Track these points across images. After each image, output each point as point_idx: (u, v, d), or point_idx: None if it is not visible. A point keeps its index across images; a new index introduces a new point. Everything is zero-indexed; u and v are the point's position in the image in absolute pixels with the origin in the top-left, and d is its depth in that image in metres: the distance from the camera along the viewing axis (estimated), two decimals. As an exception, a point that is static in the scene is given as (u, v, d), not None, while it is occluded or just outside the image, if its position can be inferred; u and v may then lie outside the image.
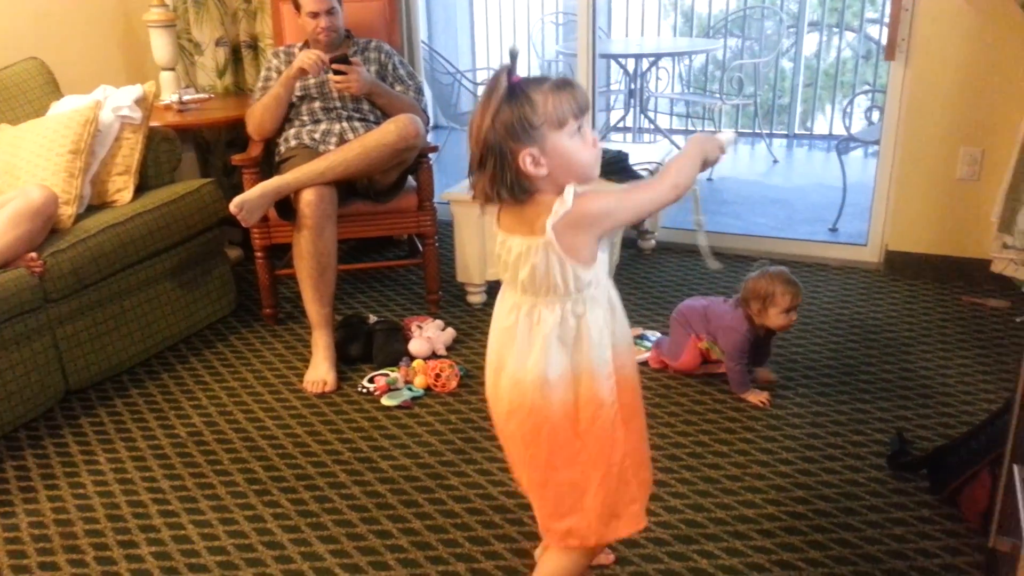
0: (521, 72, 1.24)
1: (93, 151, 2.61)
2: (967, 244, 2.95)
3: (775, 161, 4.81)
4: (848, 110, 4.18)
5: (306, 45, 2.90)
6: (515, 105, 1.21)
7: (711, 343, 2.38)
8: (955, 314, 2.78)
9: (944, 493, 1.89)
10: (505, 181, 1.24)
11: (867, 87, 5.07)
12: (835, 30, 5.21)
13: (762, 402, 2.31)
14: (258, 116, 2.82)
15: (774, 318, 2.27)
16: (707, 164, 1.39)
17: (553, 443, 1.35)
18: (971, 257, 2.95)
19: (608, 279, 1.38)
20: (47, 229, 2.39)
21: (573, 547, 1.43)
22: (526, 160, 1.23)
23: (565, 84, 1.24)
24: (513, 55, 1.26)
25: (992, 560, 1.60)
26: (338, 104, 2.82)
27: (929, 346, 2.59)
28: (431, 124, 3.26)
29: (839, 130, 4.90)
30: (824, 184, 4.24)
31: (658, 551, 1.78)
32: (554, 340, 1.32)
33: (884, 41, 3.34)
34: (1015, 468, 1.23)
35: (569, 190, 1.25)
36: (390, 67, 2.92)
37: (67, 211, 2.50)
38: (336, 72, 2.69)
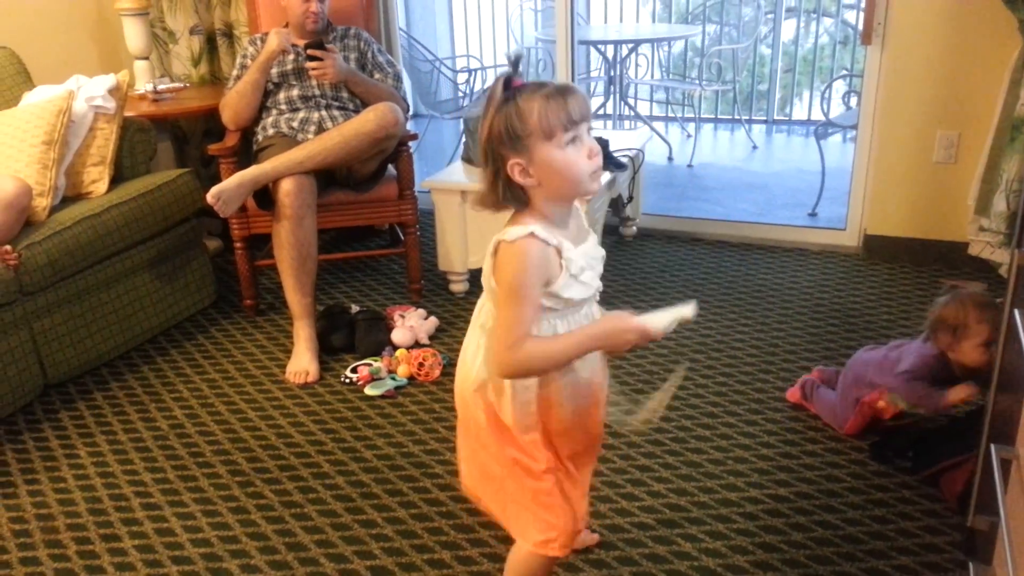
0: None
1: (67, 142, 2.57)
2: (945, 227, 2.98)
3: (754, 147, 4.83)
4: (826, 95, 4.21)
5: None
6: (504, 113, 1.19)
7: (894, 396, 2.01)
8: (933, 297, 2.80)
9: (925, 474, 1.91)
10: (498, 188, 1.23)
11: (845, 72, 5.09)
12: (813, 16, 5.23)
13: (968, 395, 1.91)
14: (233, 103, 2.79)
15: (969, 353, 1.89)
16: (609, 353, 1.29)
17: (478, 443, 1.36)
18: (949, 240, 2.98)
19: (575, 317, 1.29)
20: (21, 221, 2.35)
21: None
22: (515, 169, 1.20)
23: (560, 92, 1.19)
24: (514, 60, 1.22)
25: (970, 539, 1.62)
26: (317, 92, 2.80)
27: (908, 329, 2.61)
28: (410, 112, 3.24)
29: (817, 115, 4.93)
30: (803, 169, 4.27)
31: (642, 535, 1.79)
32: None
33: (861, 26, 3.35)
34: (993, 448, 1.25)
35: (524, 227, 1.20)
36: (369, 55, 2.90)
37: (41, 203, 2.47)
38: (311, 58, 2.66)
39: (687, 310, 1.22)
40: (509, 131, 1.18)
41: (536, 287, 1.21)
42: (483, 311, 1.33)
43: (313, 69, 2.67)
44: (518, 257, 1.20)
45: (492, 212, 1.27)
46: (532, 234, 1.19)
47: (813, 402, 2.19)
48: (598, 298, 1.34)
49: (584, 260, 1.27)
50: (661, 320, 1.21)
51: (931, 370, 1.94)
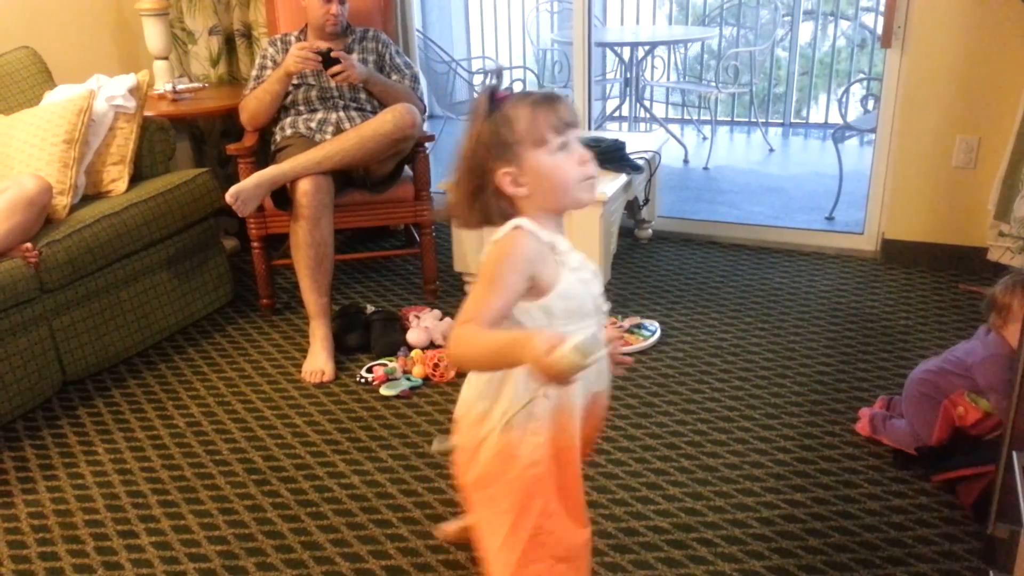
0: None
1: (87, 141, 2.59)
2: (963, 232, 2.96)
3: (771, 150, 4.81)
4: (844, 99, 4.18)
5: (303, 33, 2.89)
6: (492, 123, 1.18)
7: (973, 396, 1.88)
8: (951, 302, 2.79)
9: (939, 479, 1.90)
10: (483, 201, 1.20)
11: (862, 75, 5.06)
12: (830, 18, 5.20)
13: None
14: (251, 109, 2.81)
15: (1014, 335, 1.80)
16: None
17: (479, 483, 1.29)
18: (967, 245, 2.95)
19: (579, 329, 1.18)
20: (42, 219, 2.37)
21: None
22: (504, 179, 1.18)
23: (547, 99, 1.19)
24: (497, 73, 1.23)
25: (990, 547, 1.60)
26: (335, 93, 2.81)
27: (926, 334, 2.59)
28: (427, 113, 3.24)
29: (834, 119, 4.90)
30: (820, 172, 4.25)
31: (657, 539, 1.79)
32: (481, 379, 1.25)
33: (879, 29, 3.33)
34: (1015, 456, 1.24)
35: (508, 225, 1.18)
36: (387, 57, 2.91)
37: (61, 201, 2.49)
38: (328, 66, 2.67)
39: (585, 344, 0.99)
40: (497, 139, 1.17)
41: (513, 278, 1.14)
42: None
43: (333, 75, 2.68)
44: (503, 247, 1.18)
45: (471, 229, 1.24)
46: (519, 227, 1.17)
47: (886, 434, 2.04)
48: (605, 321, 1.31)
49: (579, 261, 1.24)
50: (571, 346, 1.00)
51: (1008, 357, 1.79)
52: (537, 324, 1.20)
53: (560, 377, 1.01)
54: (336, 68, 2.65)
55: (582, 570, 1.35)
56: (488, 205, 1.20)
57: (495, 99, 1.19)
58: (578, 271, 1.23)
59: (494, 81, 1.20)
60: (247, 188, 2.45)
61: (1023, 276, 1.90)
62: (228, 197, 2.43)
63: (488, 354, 1.11)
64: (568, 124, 1.18)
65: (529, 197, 1.19)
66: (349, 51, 2.84)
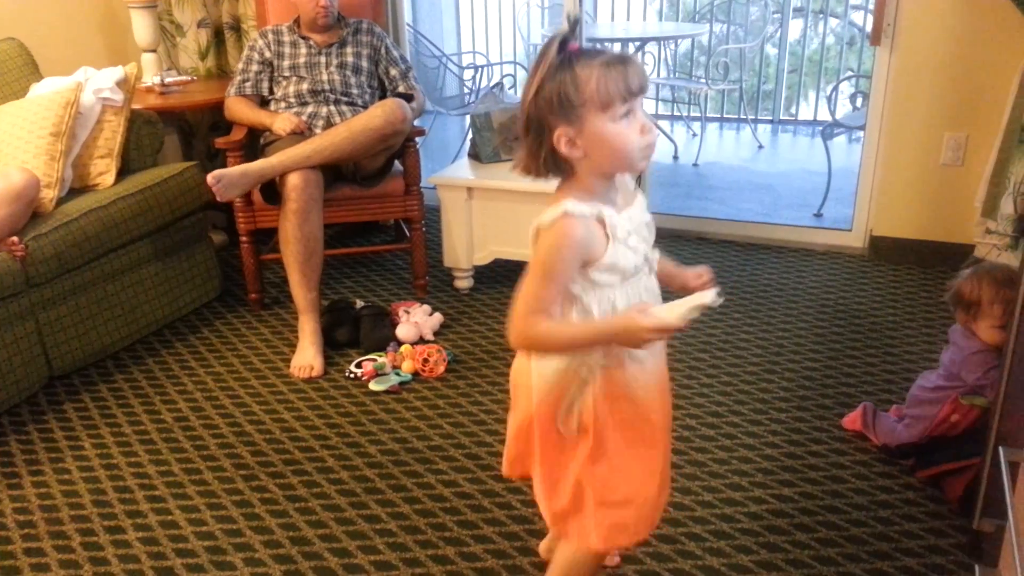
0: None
1: (74, 134, 2.57)
2: (951, 229, 2.98)
3: (760, 147, 4.82)
4: (833, 96, 4.20)
5: (296, 24, 2.87)
6: (559, 79, 1.12)
7: (969, 397, 1.85)
8: (939, 299, 2.81)
9: (925, 474, 1.91)
10: (539, 156, 1.17)
11: (851, 73, 5.08)
12: (820, 16, 5.22)
13: None
14: (234, 115, 2.85)
15: (985, 332, 1.80)
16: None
17: (539, 433, 1.31)
18: (955, 242, 2.97)
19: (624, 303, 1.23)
20: (28, 212, 2.35)
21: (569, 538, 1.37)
22: (561, 140, 1.15)
23: (620, 61, 1.13)
24: (573, 21, 1.17)
25: (976, 541, 1.62)
26: (326, 87, 2.80)
27: (913, 330, 2.61)
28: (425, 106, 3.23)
29: (823, 116, 4.92)
30: (809, 170, 4.26)
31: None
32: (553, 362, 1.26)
33: (868, 27, 3.34)
34: (1001, 450, 1.25)
35: (558, 208, 1.15)
36: (382, 50, 2.91)
37: (48, 194, 2.47)
38: None
39: (707, 296, 1.15)
40: (562, 99, 1.12)
41: (568, 268, 1.17)
42: None
43: None
44: (555, 237, 1.16)
45: (534, 178, 1.22)
46: (566, 214, 1.15)
47: (876, 430, 2.04)
48: (654, 268, 1.29)
49: (630, 224, 1.21)
50: (678, 311, 1.15)
51: (994, 361, 1.77)
52: (582, 291, 1.21)
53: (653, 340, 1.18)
54: None
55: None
56: (546, 159, 1.18)
57: (565, 48, 1.13)
58: (626, 238, 1.21)
59: (567, 29, 1.14)
60: (231, 174, 2.44)
61: (985, 267, 1.88)
62: (210, 178, 2.42)
63: (572, 348, 1.21)
64: (636, 91, 1.14)
65: (585, 159, 1.17)
66: (344, 44, 2.84)
